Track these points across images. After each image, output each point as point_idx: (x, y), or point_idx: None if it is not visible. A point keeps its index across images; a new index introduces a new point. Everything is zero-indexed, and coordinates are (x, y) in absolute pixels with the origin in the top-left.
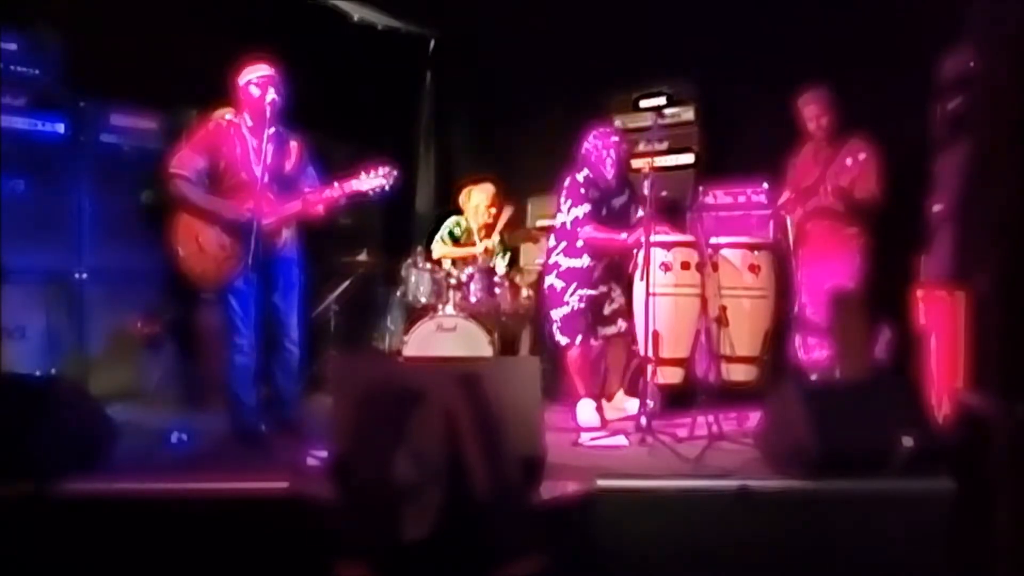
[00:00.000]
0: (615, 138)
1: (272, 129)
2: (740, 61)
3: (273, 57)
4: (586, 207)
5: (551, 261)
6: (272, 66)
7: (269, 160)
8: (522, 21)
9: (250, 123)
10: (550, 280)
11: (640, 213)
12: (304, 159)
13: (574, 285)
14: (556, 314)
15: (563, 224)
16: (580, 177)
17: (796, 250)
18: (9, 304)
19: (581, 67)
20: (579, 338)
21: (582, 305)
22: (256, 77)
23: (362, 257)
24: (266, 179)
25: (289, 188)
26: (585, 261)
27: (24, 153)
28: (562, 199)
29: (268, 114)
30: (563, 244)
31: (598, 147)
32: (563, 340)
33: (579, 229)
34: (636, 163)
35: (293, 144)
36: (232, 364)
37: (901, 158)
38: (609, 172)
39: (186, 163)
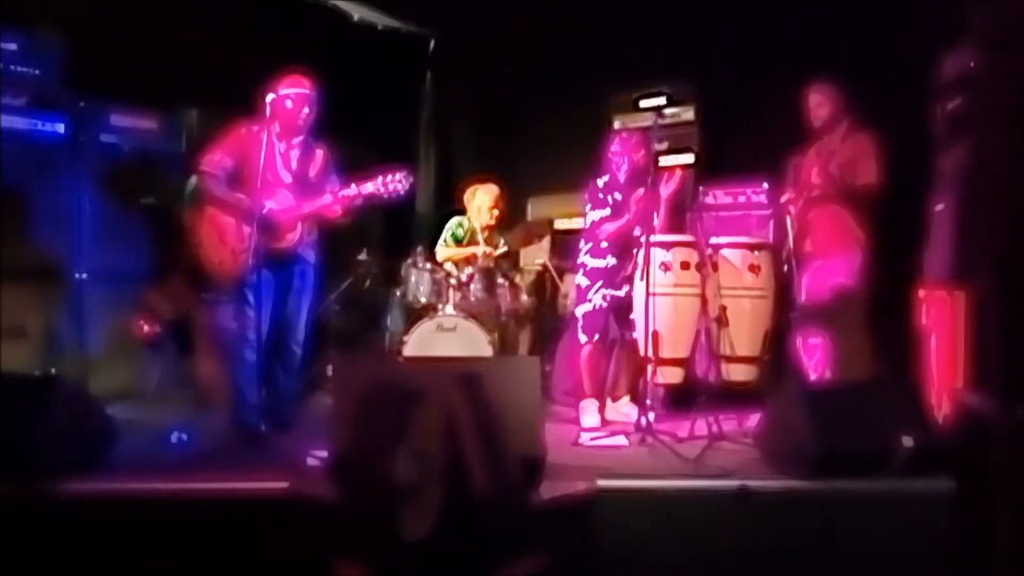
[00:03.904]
0: (634, 143)
1: (300, 138)
2: (740, 61)
3: (291, 62)
4: (604, 211)
5: (579, 261)
6: (310, 82)
7: (295, 166)
8: (522, 21)
9: (278, 130)
10: (577, 279)
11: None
12: (329, 166)
13: (599, 284)
14: (579, 311)
15: (587, 226)
16: (600, 183)
17: (797, 247)
18: (9, 304)
19: (581, 67)
20: (596, 336)
21: (605, 304)
22: (293, 92)
23: (362, 257)
24: (290, 181)
25: (312, 194)
26: (610, 261)
27: (24, 153)
28: (586, 203)
29: (299, 128)
30: (589, 245)
31: (617, 154)
32: (583, 338)
33: (598, 231)
34: None
35: (319, 152)
36: (240, 361)
37: (901, 157)
38: (622, 177)
39: (215, 162)
